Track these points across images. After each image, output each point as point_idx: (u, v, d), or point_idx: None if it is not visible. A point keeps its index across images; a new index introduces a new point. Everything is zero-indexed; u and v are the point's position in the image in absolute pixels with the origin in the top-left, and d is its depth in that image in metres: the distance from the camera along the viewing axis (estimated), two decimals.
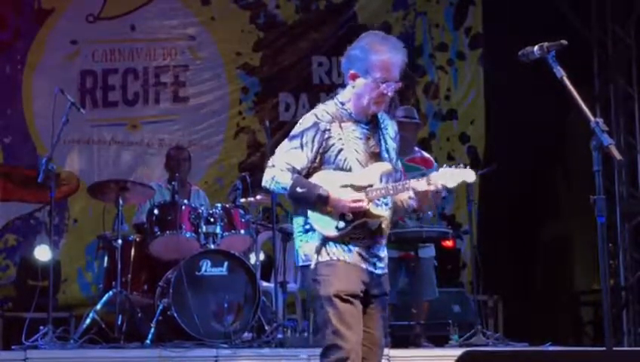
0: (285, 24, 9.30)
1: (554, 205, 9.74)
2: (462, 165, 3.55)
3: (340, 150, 3.60)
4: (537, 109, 8.56)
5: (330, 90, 8.91)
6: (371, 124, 3.71)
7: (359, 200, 3.51)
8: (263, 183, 3.68)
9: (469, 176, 3.53)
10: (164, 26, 9.08)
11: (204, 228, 6.34)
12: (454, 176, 3.51)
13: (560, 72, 3.33)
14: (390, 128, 3.77)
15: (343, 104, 3.69)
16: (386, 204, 3.65)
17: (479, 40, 9.55)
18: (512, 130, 8.80)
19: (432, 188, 3.51)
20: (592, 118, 3.21)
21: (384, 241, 3.69)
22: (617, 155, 3.16)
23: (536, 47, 3.39)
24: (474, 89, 9.57)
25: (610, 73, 9.16)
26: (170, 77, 9.06)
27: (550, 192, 9.79)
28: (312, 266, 3.57)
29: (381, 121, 3.73)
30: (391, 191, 3.59)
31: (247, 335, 6.12)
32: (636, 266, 8.87)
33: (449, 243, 7.33)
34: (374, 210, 3.57)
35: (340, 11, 9.36)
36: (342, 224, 3.54)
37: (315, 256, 3.57)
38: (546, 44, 3.38)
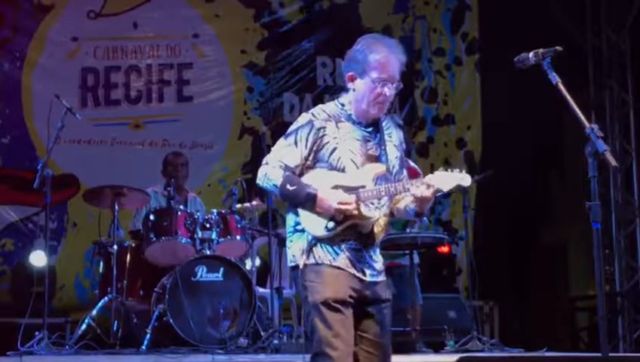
0: (289, 23, 9.31)
1: (550, 211, 9.76)
2: (457, 169, 3.50)
3: (334, 149, 3.54)
4: (533, 115, 8.58)
5: (334, 91, 9.04)
6: (372, 128, 3.64)
7: (346, 203, 3.44)
8: (257, 180, 3.62)
9: (465, 180, 3.48)
10: (167, 23, 9.00)
11: (199, 234, 6.34)
12: (450, 179, 3.47)
13: (555, 78, 3.33)
14: (394, 135, 3.69)
15: (343, 105, 3.64)
16: (379, 207, 3.56)
17: (475, 45, 9.58)
18: (507, 136, 8.82)
19: (430, 191, 3.44)
20: (587, 124, 3.21)
21: (376, 246, 3.60)
22: (613, 162, 3.15)
23: (531, 54, 3.39)
24: (470, 94, 9.59)
25: (605, 79, 9.18)
26: (174, 75, 8.98)
27: (546, 198, 9.81)
28: (300, 269, 3.52)
29: (385, 127, 3.66)
30: (383, 193, 3.51)
31: (242, 341, 6.11)
32: (631, 272, 8.89)
33: (444, 248, 7.33)
34: (365, 211, 3.50)
35: (344, 12, 9.36)
36: (331, 224, 3.48)
37: (302, 257, 3.51)
38: (541, 50, 3.38)
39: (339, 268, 3.49)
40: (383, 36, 3.67)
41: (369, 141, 3.61)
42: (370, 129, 3.63)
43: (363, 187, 3.51)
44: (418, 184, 3.46)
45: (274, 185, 3.53)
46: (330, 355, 3.40)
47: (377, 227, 3.58)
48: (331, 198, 3.45)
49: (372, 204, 3.54)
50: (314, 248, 3.51)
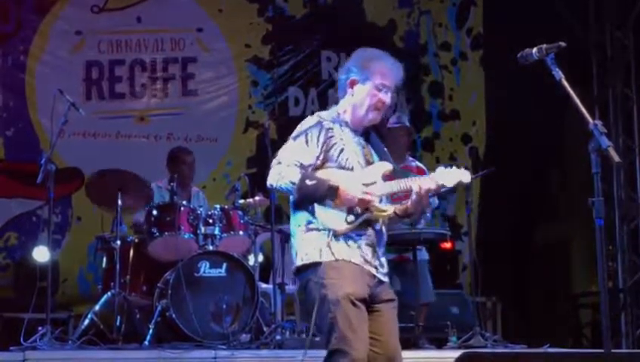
0: (293, 17, 9.31)
1: (553, 207, 9.75)
2: (455, 166, 3.68)
3: (342, 149, 3.65)
4: (537, 111, 8.57)
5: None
6: (364, 137, 3.77)
7: (368, 193, 3.54)
8: (269, 181, 3.60)
9: (465, 176, 3.65)
10: (171, 17, 9.01)
11: (202, 230, 6.33)
12: (451, 175, 3.64)
13: (558, 73, 3.33)
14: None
15: (339, 114, 3.75)
16: (390, 203, 3.71)
17: (480, 41, 9.57)
18: (512, 132, 8.80)
19: (433, 185, 3.62)
20: (590, 120, 3.22)
21: (384, 245, 3.70)
22: (616, 157, 3.16)
23: (534, 49, 3.40)
24: (475, 90, 9.59)
25: (609, 76, 9.17)
26: (178, 69, 9.00)
27: (549, 194, 9.80)
28: (317, 266, 3.52)
29: (373, 140, 3.80)
30: (395, 188, 3.64)
31: (245, 336, 6.12)
32: (634, 268, 8.88)
33: (447, 245, 7.32)
34: (380, 205, 3.61)
35: (348, 7, 9.36)
36: (351, 217, 3.54)
37: (321, 253, 3.53)
38: (544, 46, 3.38)
39: (357, 264, 3.55)
40: (381, 50, 3.79)
41: (364, 148, 3.75)
42: (362, 137, 3.76)
43: (374, 183, 3.62)
44: (427, 178, 3.66)
45: (291, 182, 3.52)
46: (349, 353, 3.41)
47: (384, 224, 3.69)
48: (354, 189, 3.53)
49: (382, 199, 3.67)
50: (332, 245, 3.54)
